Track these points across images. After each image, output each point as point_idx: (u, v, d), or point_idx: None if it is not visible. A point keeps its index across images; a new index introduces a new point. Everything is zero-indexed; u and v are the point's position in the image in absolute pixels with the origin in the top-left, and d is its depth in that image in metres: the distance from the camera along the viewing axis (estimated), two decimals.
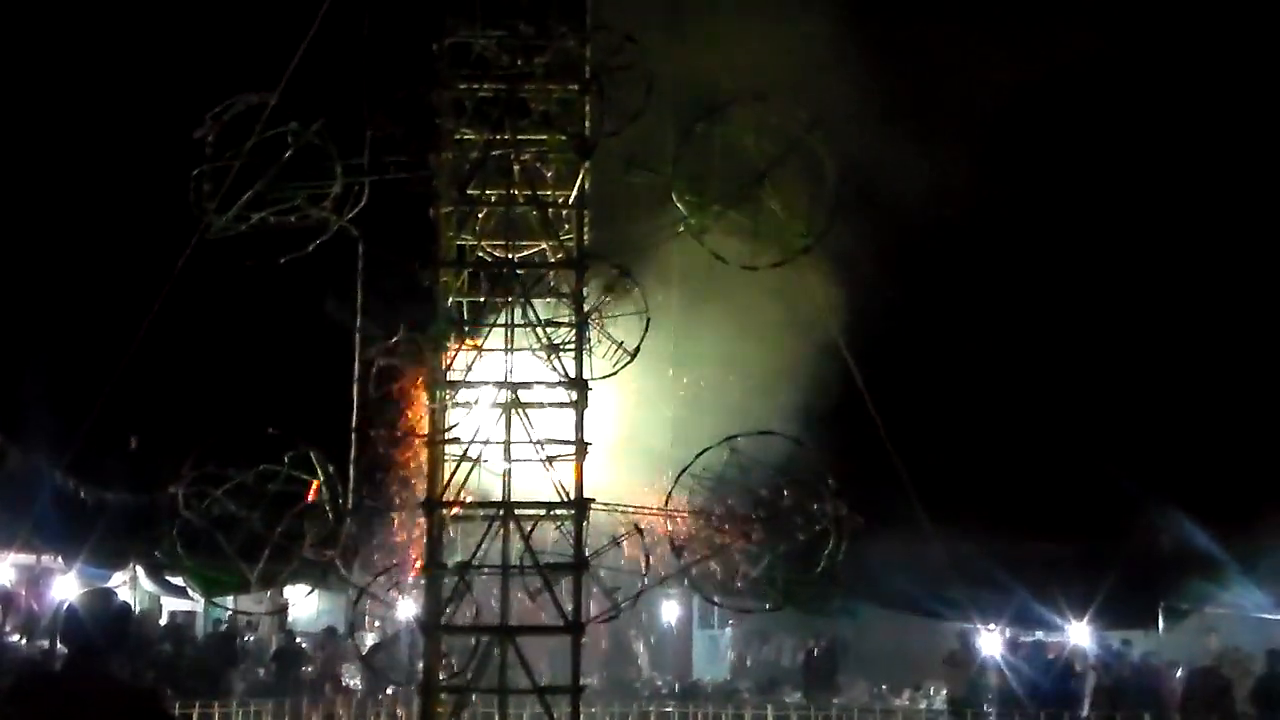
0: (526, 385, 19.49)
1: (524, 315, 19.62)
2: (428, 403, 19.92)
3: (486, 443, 19.37)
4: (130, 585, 31.13)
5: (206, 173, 19.85)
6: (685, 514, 19.81)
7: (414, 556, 21.91)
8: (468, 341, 19.82)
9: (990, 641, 30.50)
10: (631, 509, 20.11)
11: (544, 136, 20.12)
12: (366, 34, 19.77)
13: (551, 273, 20.20)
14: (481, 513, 19.72)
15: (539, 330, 19.53)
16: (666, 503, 19.87)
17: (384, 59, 20.04)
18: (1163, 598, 30.88)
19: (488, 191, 20.28)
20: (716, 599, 20.79)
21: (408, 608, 28.92)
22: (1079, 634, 31.10)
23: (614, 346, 19.54)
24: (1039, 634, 32.12)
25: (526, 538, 19.34)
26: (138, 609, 30.55)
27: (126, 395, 23.01)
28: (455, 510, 19.54)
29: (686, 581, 20.30)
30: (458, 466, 19.46)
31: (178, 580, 31.64)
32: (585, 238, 19.93)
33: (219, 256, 20.35)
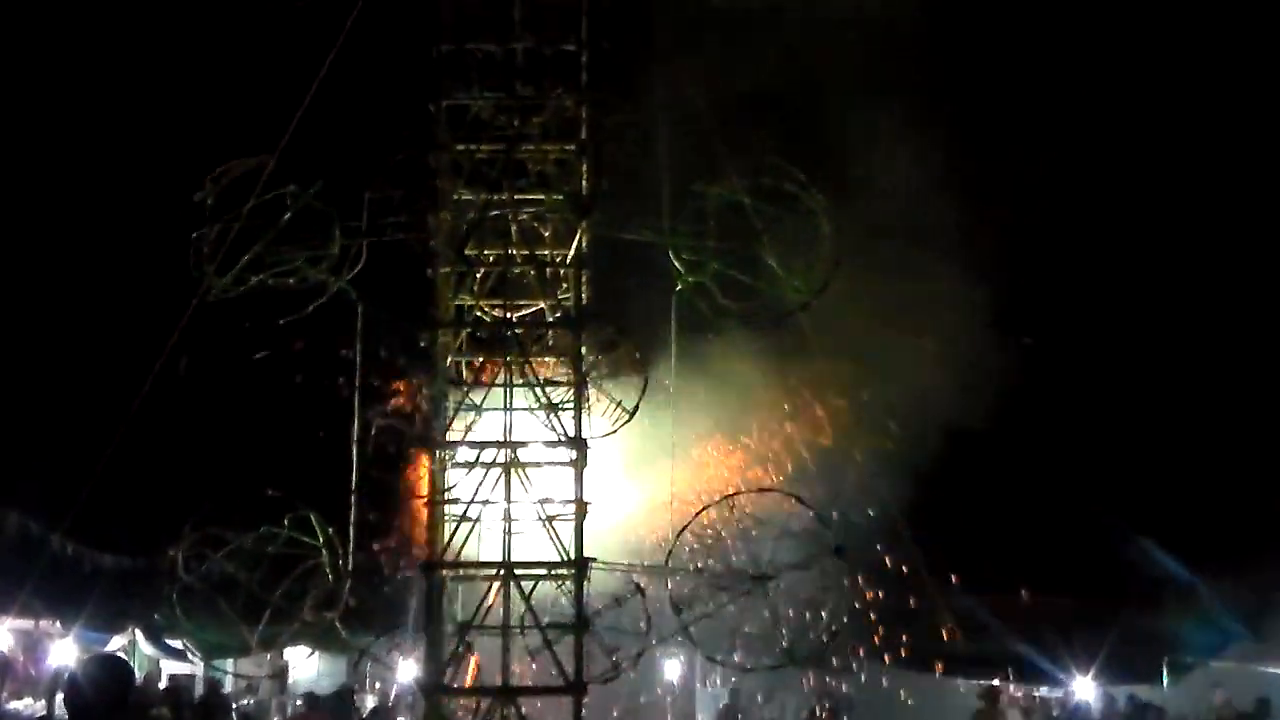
0: (525, 444, 19.50)
1: (522, 374, 19.65)
2: (427, 463, 19.92)
3: (486, 503, 19.35)
4: (129, 649, 30.96)
5: (206, 235, 19.95)
6: (686, 572, 19.76)
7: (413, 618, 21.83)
8: (467, 401, 19.85)
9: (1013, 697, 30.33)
10: (632, 568, 20.06)
11: (541, 196, 20.24)
12: (364, 97, 19.93)
13: (550, 332, 20.25)
14: (482, 573, 19.68)
15: (538, 389, 19.55)
16: (668, 561, 19.80)
17: (381, 121, 20.19)
18: (1167, 652, 30.76)
19: (485, 251, 20.39)
20: (718, 657, 20.69)
21: (409, 669, 28.77)
22: (1084, 689, 30.93)
23: (613, 405, 19.57)
24: (1043, 690, 31.97)
25: (527, 598, 19.29)
26: (139, 673, 30.41)
27: (125, 458, 23.00)
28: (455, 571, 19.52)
29: (688, 640, 20.19)
30: (457, 527, 19.43)
31: (177, 643, 31.48)
32: (583, 296, 20.01)
33: (218, 318, 20.39)
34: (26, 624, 29.99)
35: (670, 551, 19.80)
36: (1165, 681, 31.51)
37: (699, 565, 19.78)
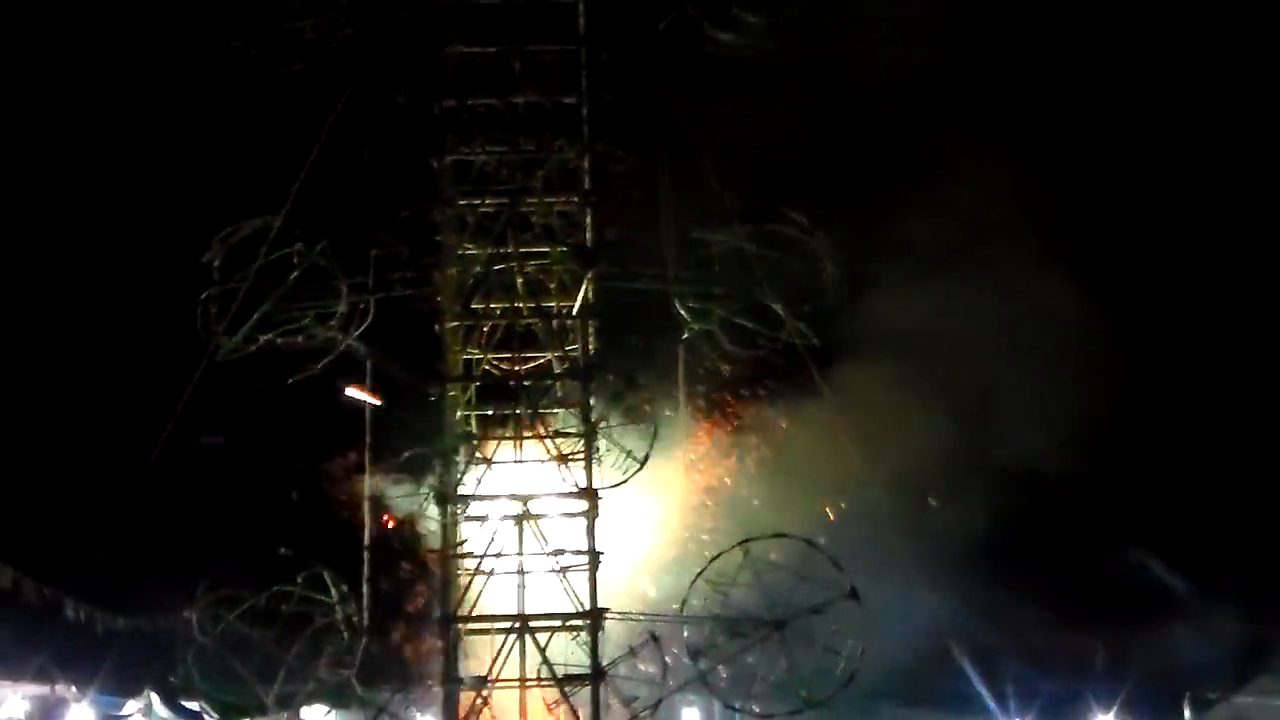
0: (537, 496, 19.51)
1: (532, 427, 19.69)
2: (439, 517, 19.92)
3: (499, 555, 19.35)
4: (145, 713, 30.85)
5: (214, 296, 20.06)
6: (701, 619, 19.69)
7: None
8: (477, 454, 19.91)
9: None
10: (647, 616, 20.02)
11: (546, 249, 20.34)
12: (367, 155, 20.05)
13: (558, 383, 20.30)
14: (496, 626, 19.65)
15: (548, 441, 19.59)
16: (682, 609, 19.74)
17: (385, 179, 20.30)
18: (1188, 687, 30.50)
19: (492, 305, 20.47)
20: (736, 704, 20.57)
21: None
22: None
23: (624, 455, 19.56)
24: None
25: (543, 650, 19.25)
26: None
27: (138, 521, 23.01)
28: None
29: (705, 687, 20.08)
30: (471, 580, 19.42)
31: (194, 705, 31.34)
32: (590, 347, 20.07)
33: (228, 377, 20.47)
34: (42, 689, 29.87)
35: (685, 599, 19.74)
36: (1188, 717, 31.24)
37: (715, 612, 19.69)
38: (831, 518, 24.04)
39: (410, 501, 21.10)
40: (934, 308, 24.56)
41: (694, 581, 19.71)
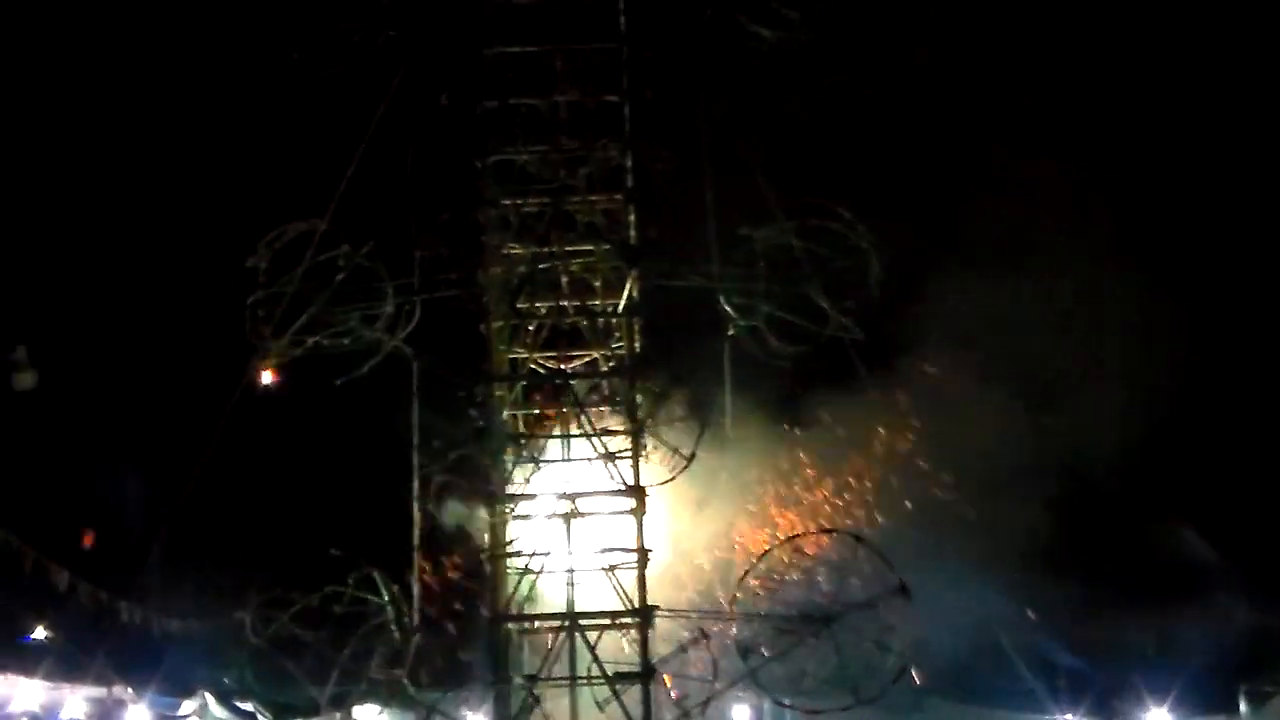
0: (585, 495, 19.53)
1: (579, 425, 19.71)
2: (488, 517, 19.98)
3: (548, 554, 19.37)
4: (200, 713, 31.09)
5: (261, 300, 20.19)
6: (751, 617, 19.65)
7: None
8: (525, 453, 19.94)
9: None
10: (696, 614, 20.00)
11: (590, 247, 20.34)
12: (411, 157, 20.11)
13: (604, 381, 20.31)
14: (547, 624, 19.69)
15: (595, 439, 19.60)
16: (732, 606, 19.72)
17: (429, 180, 20.36)
18: (1245, 680, 30.15)
19: (537, 304, 20.50)
20: (786, 701, 20.52)
21: None
22: None
23: (670, 452, 19.55)
24: None
25: (593, 648, 19.27)
26: None
27: (191, 523, 23.18)
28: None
29: (756, 685, 20.04)
30: (520, 579, 19.46)
31: (248, 706, 31.58)
32: (636, 345, 20.07)
33: (277, 381, 20.58)
34: (99, 692, 30.19)
35: (735, 596, 19.71)
36: (1243, 711, 30.88)
37: (764, 610, 19.65)
38: (879, 520, 23.90)
39: (459, 502, 21.12)
40: (991, 301, 24.37)
41: (743, 578, 19.69)
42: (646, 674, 19.14)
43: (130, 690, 29.56)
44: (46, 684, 27.58)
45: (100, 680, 29.09)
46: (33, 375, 26.45)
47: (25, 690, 27.20)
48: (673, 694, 20.12)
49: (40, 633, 28.44)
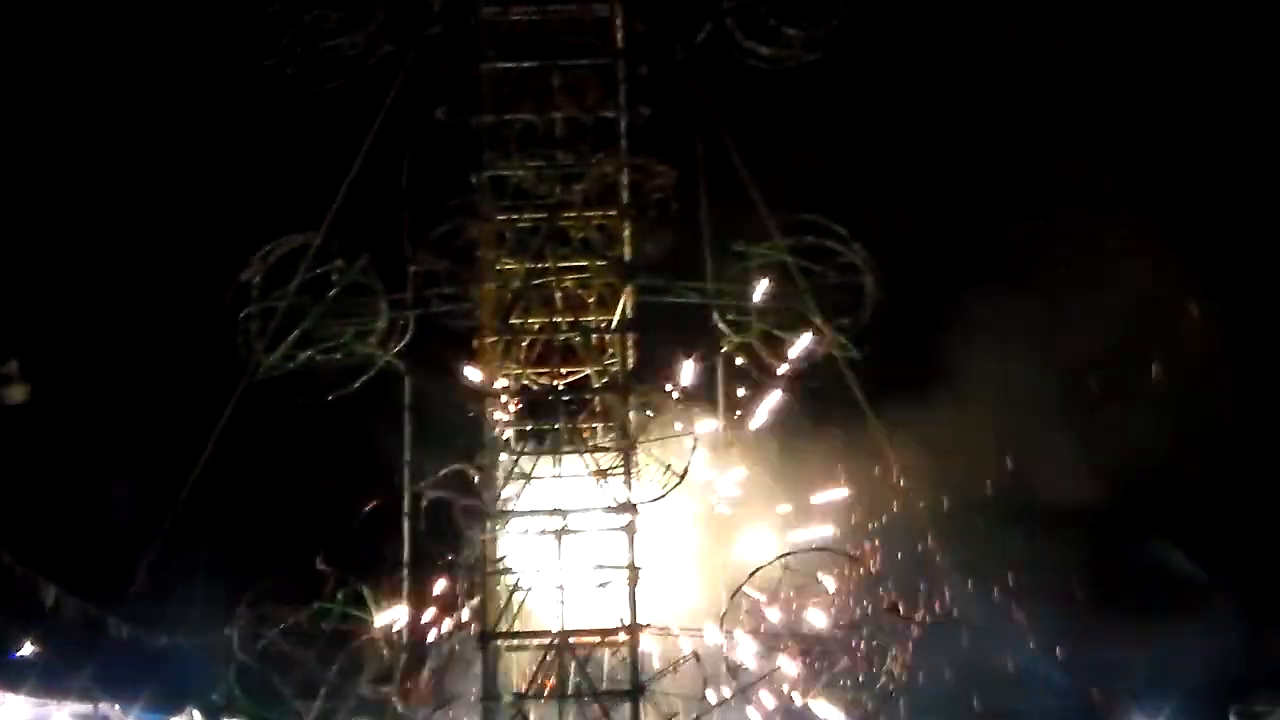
0: (576, 511, 19.48)
1: (571, 441, 19.68)
2: (479, 533, 19.91)
3: (539, 571, 19.32)
4: None
5: (254, 313, 20.18)
6: (742, 634, 19.60)
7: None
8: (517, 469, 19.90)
9: None
10: (687, 632, 19.94)
11: (585, 263, 20.35)
12: (407, 171, 20.13)
13: (597, 397, 20.29)
14: (536, 642, 19.62)
15: (587, 455, 19.56)
16: (722, 624, 19.66)
17: (424, 194, 20.38)
18: (1236, 700, 30.11)
19: (530, 320, 20.48)
20: (778, 719, 20.44)
21: None
22: None
23: (663, 469, 19.51)
24: None
25: (582, 666, 19.20)
26: None
27: (179, 539, 23.07)
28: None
29: (746, 703, 19.98)
30: (510, 596, 19.40)
31: None
32: (629, 361, 20.05)
33: (268, 395, 20.55)
34: (86, 708, 29.99)
35: (725, 614, 19.66)
36: None
37: (755, 627, 19.61)
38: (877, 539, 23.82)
39: (451, 518, 21.04)
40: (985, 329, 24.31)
41: (733, 596, 19.64)
42: (636, 692, 19.06)
43: (117, 706, 29.39)
44: (32, 700, 27.42)
45: (87, 696, 28.93)
46: (24, 389, 26.36)
47: (11, 706, 27.04)
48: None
49: (27, 648, 28.29)
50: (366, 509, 20.51)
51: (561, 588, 19.46)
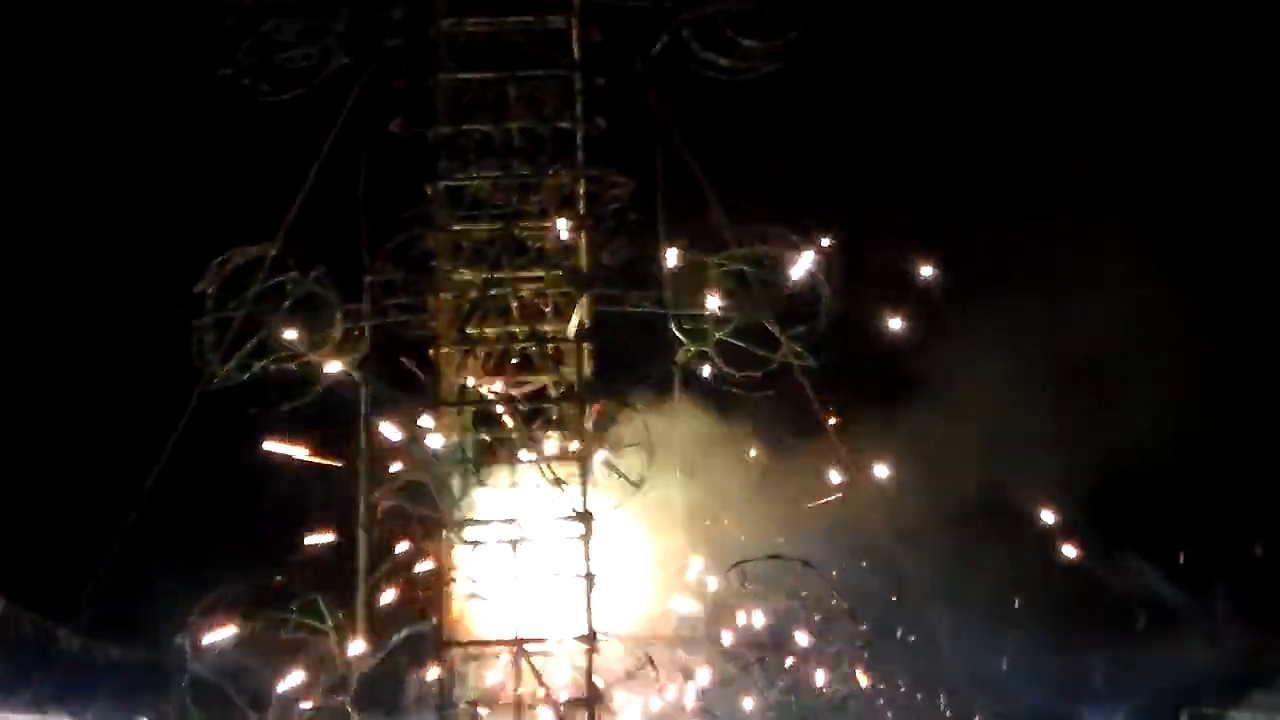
0: (533, 520, 19.52)
1: (528, 451, 19.73)
2: (434, 542, 19.92)
3: (495, 580, 19.36)
4: None
5: (208, 323, 20.11)
6: (698, 642, 19.70)
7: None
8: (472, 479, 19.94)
9: None
10: (643, 639, 20.02)
11: (541, 273, 20.40)
12: (363, 181, 20.11)
13: (554, 407, 20.35)
14: (492, 650, 19.64)
15: (544, 465, 19.61)
16: (677, 632, 19.76)
17: (380, 204, 20.37)
18: (1186, 703, 30.42)
19: (487, 329, 20.51)
20: None
21: None
22: None
23: (619, 478, 19.59)
24: None
25: (538, 673, 19.24)
26: None
27: (132, 549, 22.94)
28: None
29: (702, 710, 20.09)
30: (466, 605, 19.42)
31: None
32: (586, 370, 20.12)
33: (221, 404, 20.48)
34: (36, 719, 29.75)
35: (679, 621, 19.76)
36: None
37: (711, 635, 19.71)
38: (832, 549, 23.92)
39: (406, 527, 21.04)
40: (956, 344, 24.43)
41: (690, 605, 19.74)
42: (592, 699, 19.13)
43: (68, 718, 29.19)
44: None
45: (36, 708, 28.71)
46: None
47: None
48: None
49: None
50: (319, 523, 20.52)
51: (517, 596, 19.50)
